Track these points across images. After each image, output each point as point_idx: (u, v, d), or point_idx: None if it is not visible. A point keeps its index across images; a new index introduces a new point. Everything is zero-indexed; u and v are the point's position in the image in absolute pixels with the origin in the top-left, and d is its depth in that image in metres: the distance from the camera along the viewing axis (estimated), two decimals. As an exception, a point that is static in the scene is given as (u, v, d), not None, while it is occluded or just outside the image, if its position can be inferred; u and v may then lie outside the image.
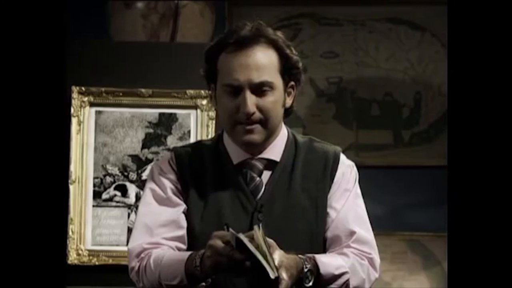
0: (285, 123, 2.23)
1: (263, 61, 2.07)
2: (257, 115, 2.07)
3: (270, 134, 2.13)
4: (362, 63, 4.35)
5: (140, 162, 3.57)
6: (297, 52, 2.16)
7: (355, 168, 2.23)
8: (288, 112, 2.18)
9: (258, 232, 1.87)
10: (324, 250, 2.13)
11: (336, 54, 4.36)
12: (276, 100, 2.10)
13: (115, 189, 3.57)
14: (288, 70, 2.12)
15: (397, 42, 4.36)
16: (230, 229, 1.90)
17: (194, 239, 2.12)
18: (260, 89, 2.06)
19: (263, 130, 2.10)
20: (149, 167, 3.47)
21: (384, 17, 4.36)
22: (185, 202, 2.14)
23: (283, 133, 2.20)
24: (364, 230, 2.15)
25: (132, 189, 3.57)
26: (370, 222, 2.20)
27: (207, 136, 3.46)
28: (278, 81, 2.10)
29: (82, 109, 3.52)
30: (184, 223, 2.14)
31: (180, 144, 3.40)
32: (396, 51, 4.35)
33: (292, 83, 2.15)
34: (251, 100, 2.05)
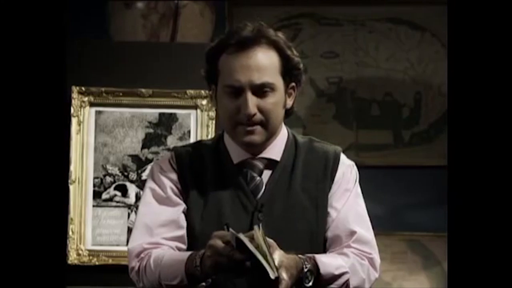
0: (285, 123, 2.23)
1: (264, 62, 2.07)
2: (258, 116, 2.07)
3: (270, 135, 2.13)
4: (362, 63, 4.35)
5: (140, 162, 3.57)
6: (298, 53, 2.15)
7: (355, 168, 2.23)
8: (288, 113, 2.18)
9: (258, 232, 1.87)
10: (324, 250, 2.13)
11: (336, 54, 4.36)
12: (277, 101, 2.10)
13: (115, 189, 3.57)
14: (289, 71, 2.12)
15: (397, 42, 4.36)
16: (230, 229, 1.90)
17: (194, 239, 2.12)
18: (261, 90, 2.06)
19: (263, 131, 2.10)
20: (149, 167, 3.47)
21: (384, 17, 4.36)
22: (185, 202, 2.15)
23: (283, 133, 2.20)
24: (365, 229, 2.15)
25: (132, 189, 3.58)
26: (370, 222, 2.20)
27: (207, 136, 3.46)
28: (279, 82, 2.10)
29: (82, 109, 3.52)
30: (184, 223, 2.14)
31: (180, 144, 3.40)
32: (396, 51, 4.35)
33: (293, 84, 2.15)
34: (252, 101, 2.05)
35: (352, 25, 4.37)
